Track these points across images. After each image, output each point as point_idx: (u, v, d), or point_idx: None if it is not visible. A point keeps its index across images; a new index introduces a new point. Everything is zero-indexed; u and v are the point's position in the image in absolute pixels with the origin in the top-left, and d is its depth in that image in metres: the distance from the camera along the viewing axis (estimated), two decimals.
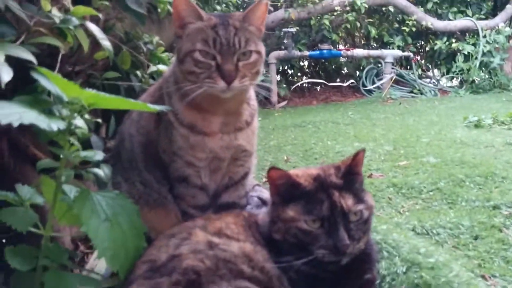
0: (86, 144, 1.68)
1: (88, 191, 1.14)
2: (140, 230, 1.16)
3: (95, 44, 1.76)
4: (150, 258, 1.08)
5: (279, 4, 7.64)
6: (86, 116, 1.59)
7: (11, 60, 1.15)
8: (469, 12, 7.96)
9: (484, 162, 2.78)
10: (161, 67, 2.23)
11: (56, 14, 1.38)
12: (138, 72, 2.26)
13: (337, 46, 8.26)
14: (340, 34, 8.27)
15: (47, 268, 1.18)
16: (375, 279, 1.19)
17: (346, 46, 8.50)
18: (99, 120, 1.88)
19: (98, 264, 1.71)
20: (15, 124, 0.94)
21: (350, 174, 1.19)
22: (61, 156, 1.18)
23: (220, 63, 1.30)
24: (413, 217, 1.97)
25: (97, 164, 1.86)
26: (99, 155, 1.25)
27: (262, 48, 1.39)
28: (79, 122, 1.19)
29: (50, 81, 1.12)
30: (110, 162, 1.69)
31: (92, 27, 1.49)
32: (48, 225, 1.18)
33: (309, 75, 8.96)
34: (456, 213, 1.99)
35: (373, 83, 7.74)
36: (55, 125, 1.01)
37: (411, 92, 7.53)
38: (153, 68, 2.18)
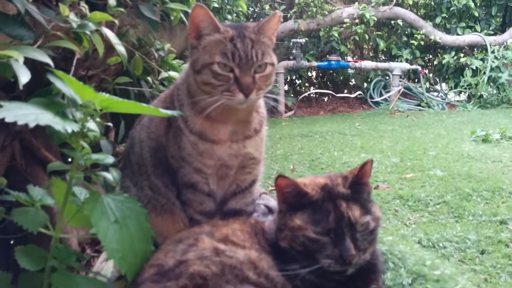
0: (96, 148, 1.71)
1: (98, 193, 1.15)
2: (148, 233, 1.17)
3: (109, 49, 1.78)
4: (158, 262, 1.09)
5: (289, 15, 7.70)
6: (98, 119, 1.62)
7: (27, 62, 1.18)
8: (478, 28, 7.97)
9: (491, 177, 2.77)
10: (172, 73, 2.25)
11: (74, 19, 1.40)
12: (149, 78, 2.28)
13: (345, 57, 8.29)
14: (349, 46, 8.32)
15: (55, 269, 1.19)
16: None
17: (355, 58, 8.54)
18: (110, 124, 1.90)
19: (104, 267, 1.72)
20: (31, 124, 0.96)
21: (358, 184, 1.19)
22: (74, 158, 1.19)
23: (238, 76, 1.31)
24: (419, 229, 1.96)
25: (106, 168, 1.88)
26: (109, 159, 1.27)
27: (275, 59, 1.41)
28: (91, 125, 1.20)
29: (65, 83, 1.14)
30: (118, 166, 1.71)
31: (108, 32, 1.51)
32: (58, 227, 1.19)
33: (316, 86, 8.99)
34: (463, 227, 1.98)
35: (381, 95, 7.75)
36: (70, 127, 1.03)
37: (419, 105, 7.53)
38: (164, 74, 2.20)
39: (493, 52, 7.39)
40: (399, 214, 2.24)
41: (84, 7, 1.49)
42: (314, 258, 1.10)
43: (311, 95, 8.70)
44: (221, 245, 1.13)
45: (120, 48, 1.54)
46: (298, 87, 8.92)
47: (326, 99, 8.76)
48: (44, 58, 1.22)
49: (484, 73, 7.27)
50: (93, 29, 1.43)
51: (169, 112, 1.19)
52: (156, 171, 1.53)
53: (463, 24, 8.03)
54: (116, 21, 1.68)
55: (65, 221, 1.26)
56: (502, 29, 8.23)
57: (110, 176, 1.60)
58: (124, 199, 1.18)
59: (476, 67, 7.40)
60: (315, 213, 1.13)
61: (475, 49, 7.86)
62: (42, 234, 1.20)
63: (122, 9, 1.72)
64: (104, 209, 1.11)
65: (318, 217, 1.12)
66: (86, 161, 1.22)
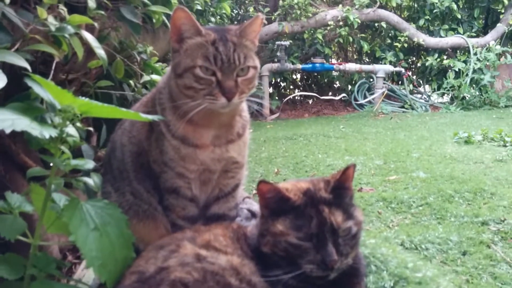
0: (77, 153, 1.68)
1: (78, 200, 1.13)
2: (129, 240, 1.15)
3: (89, 52, 1.76)
4: (139, 269, 1.07)
5: (273, 17, 7.71)
6: (78, 124, 1.59)
7: (4, 67, 1.16)
8: (461, 30, 8.09)
9: (473, 178, 2.80)
10: (154, 77, 2.24)
11: (52, 22, 1.38)
12: (131, 82, 2.26)
13: (330, 60, 8.34)
14: (333, 48, 8.36)
15: (35, 277, 1.17)
16: None
17: (339, 60, 8.58)
18: (91, 129, 1.88)
19: (86, 275, 1.70)
20: (7, 130, 0.94)
21: (340, 189, 1.19)
22: (52, 164, 1.17)
23: (220, 80, 1.30)
24: (402, 231, 1.97)
25: (87, 173, 1.85)
26: (89, 164, 1.25)
27: (258, 62, 1.40)
28: (71, 130, 1.18)
29: (43, 88, 1.12)
30: (100, 171, 1.69)
31: (87, 35, 1.49)
32: (37, 234, 1.17)
33: (301, 88, 9.02)
34: (445, 229, 2.00)
35: (365, 97, 7.80)
36: (47, 133, 1.01)
37: (402, 107, 7.60)
38: (146, 77, 2.18)
39: (475, 54, 7.50)
40: (382, 216, 2.25)
41: (63, 10, 1.47)
42: (296, 264, 1.10)
43: (296, 97, 8.72)
44: (203, 251, 1.12)
45: (100, 51, 1.52)
46: (282, 90, 8.94)
47: (310, 101, 8.79)
48: (21, 62, 1.20)
49: (467, 75, 7.38)
50: (72, 32, 1.41)
51: (150, 117, 1.18)
52: (137, 176, 1.51)
53: (446, 26, 8.14)
54: (96, 24, 1.66)
55: (45, 228, 1.24)
56: (484, 31, 8.38)
57: (91, 181, 1.58)
58: (104, 205, 1.16)
59: (459, 69, 7.51)
60: (297, 218, 1.13)
61: (458, 51, 7.97)
62: (22, 242, 1.18)
63: (103, 12, 1.70)
64: (84, 216, 1.09)
65: (300, 223, 1.12)
66: (65, 167, 1.20)
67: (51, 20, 1.40)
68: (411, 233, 1.94)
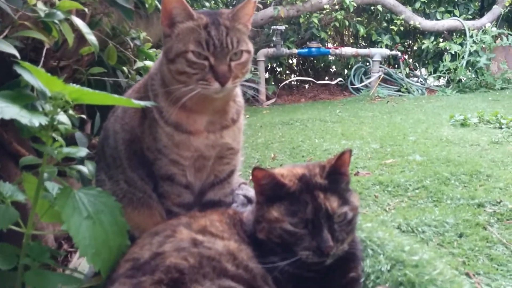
0: (71, 141, 1.67)
1: (70, 188, 1.12)
2: (123, 228, 1.14)
3: (81, 39, 1.74)
4: (133, 256, 1.07)
5: (268, 1, 7.63)
6: (71, 112, 1.57)
7: None
8: (457, 12, 8.04)
9: (469, 161, 2.80)
10: (148, 63, 2.21)
11: (42, 8, 1.36)
12: (124, 68, 2.24)
13: (326, 44, 8.28)
14: (329, 33, 8.31)
15: (28, 267, 1.16)
16: (359, 277, 1.18)
17: (335, 45, 8.53)
18: (84, 116, 1.86)
19: (81, 263, 1.69)
20: None
21: (335, 174, 1.18)
22: (44, 152, 1.15)
23: (213, 64, 1.28)
24: (399, 215, 1.98)
25: (81, 161, 1.84)
26: (82, 152, 1.23)
27: (251, 47, 1.38)
28: (62, 117, 1.17)
29: (33, 75, 1.10)
30: (95, 159, 1.67)
31: (78, 21, 1.47)
32: (30, 223, 1.16)
33: (297, 73, 8.98)
34: (441, 211, 2.01)
35: (361, 81, 7.77)
36: (37, 121, 1.00)
37: (399, 90, 7.58)
38: (139, 64, 2.16)
39: (471, 36, 7.46)
40: (379, 200, 2.26)
41: None
42: (292, 250, 1.09)
43: (292, 82, 8.68)
44: (199, 236, 1.11)
45: (91, 37, 1.49)
46: (278, 75, 8.89)
47: (307, 86, 8.75)
48: (10, 49, 1.18)
49: (463, 57, 7.34)
50: (62, 18, 1.38)
51: (142, 103, 1.16)
52: (131, 164, 1.49)
53: (442, 9, 8.09)
54: (87, 10, 1.63)
55: (39, 217, 1.23)
56: (480, 14, 8.32)
57: (86, 169, 1.57)
58: (98, 194, 1.15)
59: (455, 52, 7.48)
60: (292, 204, 1.12)
61: (454, 33, 7.93)
62: (16, 232, 1.17)
63: None
64: (76, 204, 1.08)
65: (295, 209, 1.11)
66: (58, 155, 1.18)
67: (40, 6, 1.38)
68: (407, 216, 1.94)
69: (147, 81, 1.48)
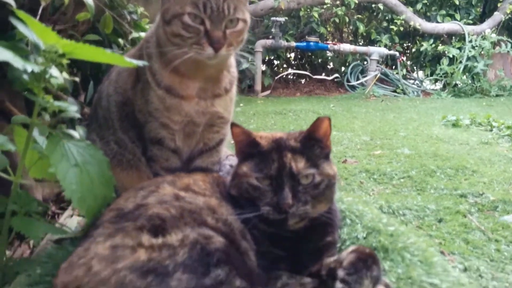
0: None
1: (59, 137, 1.14)
2: (109, 180, 1.17)
3: (78, 4, 1.75)
4: (118, 206, 1.09)
5: None
6: (65, 74, 1.59)
7: None
8: (458, 16, 8.07)
9: (457, 157, 2.84)
10: (144, 34, 2.22)
11: None
12: (120, 40, 2.25)
13: (325, 39, 8.30)
14: (329, 28, 8.32)
15: (16, 213, 1.18)
16: (335, 241, 1.21)
17: (334, 41, 8.54)
18: (77, 79, 1.88)
19: (68, 223, 1.72)
20: None
21: (310, 139, 1.20)
22: (35, 103, 1.17)
23: (209, 29, 1.29)
24: (382, 199, 2.01)
25: (73, 125, 1.86)
26: (73, 107, 1.26)
27: (248, 17, 1.40)
28: (54, 71, 1.18)
29: (28, 27, 1.12)
30: (85, 124, 1.69)
31: None
32: (19, 172, 1.18)
33: (294, 67, 8.99)
34: (424, 199, 2.04)
35: (358, 79, 7.80)
36: (30, 67, 1.02)
37: (394, 91, 7.62)
38: (135, 34, 2.17)
39: (470, 41, 7.50)
40: (364, 186, 2.29)
41: None
42: (257, 205, 1.13)
43: (289, 76, 8.70)
44: (182, 192, 1.14)
45: (88, 0, 1.51)
46: (275, 68, 8.90)
47: (303, 81, 8.78)
48: None
49: (461, 62, 7.39)
50: None
51: (134, 62, 1.17)
52: (122, 126, 1.51)
53: (443, 12, 8.12)
54: None
55: (30, 177, 1.25)
56: (481, 19, 8.35)
57: (77, 134, 1.59)
58: (86, 146, 1.17)
59: (453, 56, 7.51)
60: (261, 161, 1.16)
61: (453, 37, 7.96)
62: (5, 181, 1.19)
63: None
64: (65, 152, 1.10)
65: (262, 166, 1.15)
66: (49, 108, 1.20)
67: None
68: (390, 200, 1.98)
69: (142, 45, 1.49)
